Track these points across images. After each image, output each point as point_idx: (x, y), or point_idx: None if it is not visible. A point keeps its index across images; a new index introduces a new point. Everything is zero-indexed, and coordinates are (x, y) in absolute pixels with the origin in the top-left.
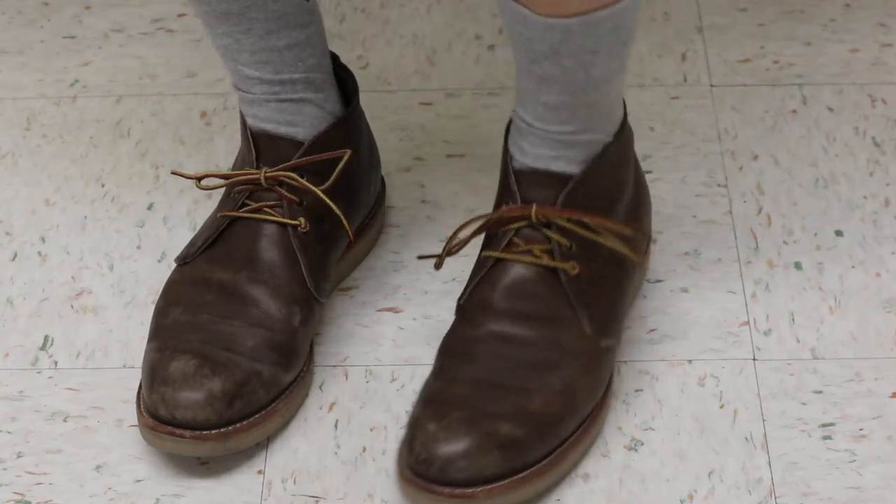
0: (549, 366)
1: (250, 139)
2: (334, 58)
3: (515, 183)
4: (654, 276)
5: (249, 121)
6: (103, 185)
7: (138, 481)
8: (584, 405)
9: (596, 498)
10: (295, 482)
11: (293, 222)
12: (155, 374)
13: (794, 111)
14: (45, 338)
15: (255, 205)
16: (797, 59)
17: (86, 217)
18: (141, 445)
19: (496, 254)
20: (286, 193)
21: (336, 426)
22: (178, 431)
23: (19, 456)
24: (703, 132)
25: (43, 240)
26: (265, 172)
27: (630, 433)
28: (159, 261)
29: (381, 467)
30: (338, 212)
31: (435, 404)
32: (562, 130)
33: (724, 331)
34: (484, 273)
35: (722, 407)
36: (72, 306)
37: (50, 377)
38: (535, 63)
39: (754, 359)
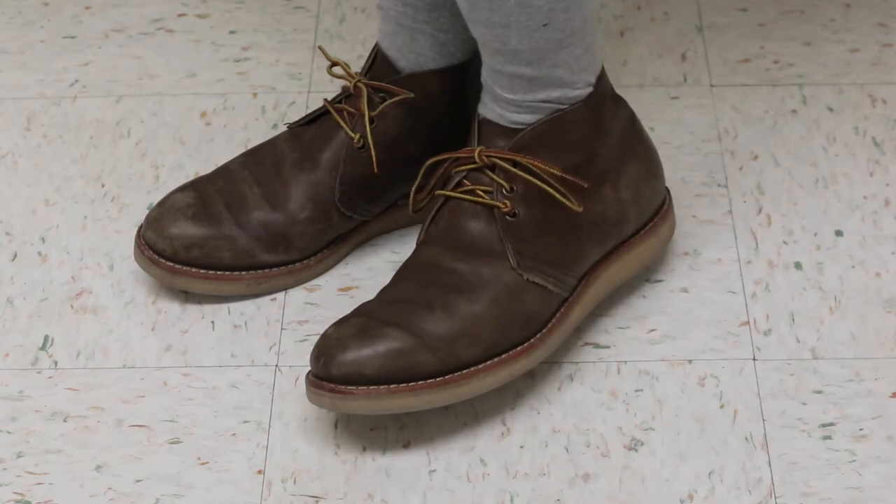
0: (462, 289)
1: (373, 49)
2: None
3: (477, 130)
4: (654, 277)
5: (378, 32)
6: (103, 185)
7: (138, 481)
8: (490, 333)
9: (596, 498)
10: (295, 482)
11: (351, 133)
12: (166, 196)
13: (794, 111)
14: (45, 338)
15: (342, 105)
16: (797, 59)
17: (86, 217)
18: (141, 445)
19: (444, 192)
20: (360, 105)
21: (336, 426)
22: (142, 246)
23: (19, 456)
24: (703, 132)
25: (43, 240)
26: (356, 81)
27: (630, 433)
28: None
29: (381, 467)
30: (369, 141)
31: (348, 315)
32: (524, 99)
33: (724, 331)
34: (435, 212)
35: (722, 407)
36: (72, 306)
37: (50, 377)
38: (494, 10)
39: (754, 359)
